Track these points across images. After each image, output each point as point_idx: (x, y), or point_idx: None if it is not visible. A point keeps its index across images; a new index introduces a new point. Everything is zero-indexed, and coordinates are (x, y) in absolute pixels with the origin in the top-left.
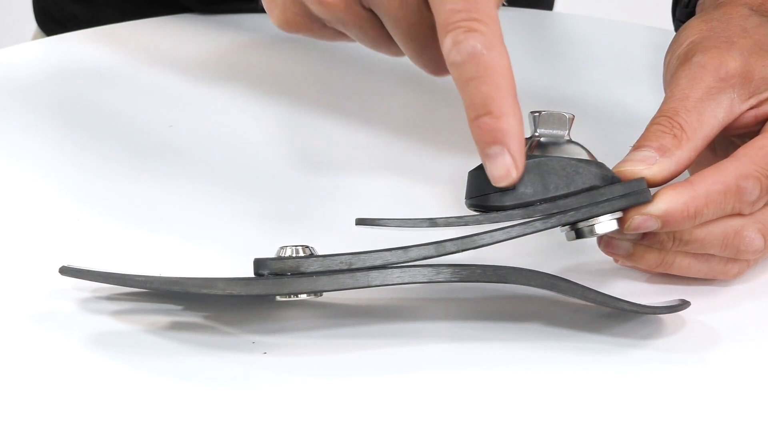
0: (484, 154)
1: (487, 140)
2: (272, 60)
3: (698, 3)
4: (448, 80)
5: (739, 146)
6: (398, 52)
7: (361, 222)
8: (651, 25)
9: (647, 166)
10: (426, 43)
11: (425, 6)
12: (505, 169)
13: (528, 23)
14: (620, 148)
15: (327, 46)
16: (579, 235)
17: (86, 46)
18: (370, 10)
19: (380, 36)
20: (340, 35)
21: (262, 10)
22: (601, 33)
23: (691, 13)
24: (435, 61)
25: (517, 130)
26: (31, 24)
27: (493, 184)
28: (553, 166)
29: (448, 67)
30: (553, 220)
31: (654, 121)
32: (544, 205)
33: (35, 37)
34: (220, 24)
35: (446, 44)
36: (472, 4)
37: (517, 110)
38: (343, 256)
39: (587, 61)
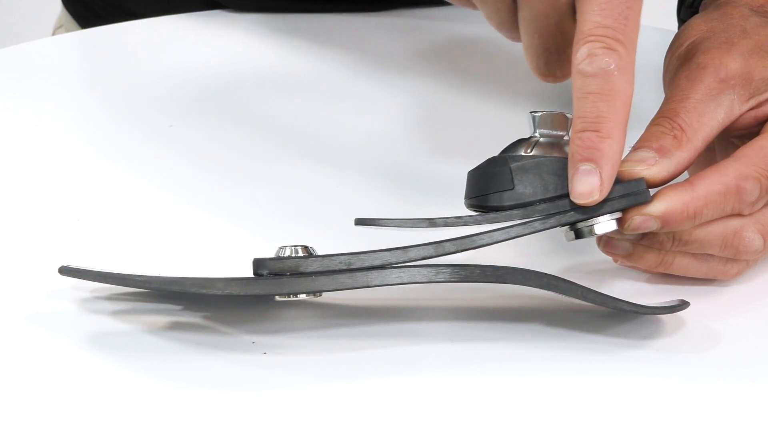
0: (574, 167)
1: (583, 155)
2: (279, 61)
3: (702, 4)
4: (449, 83)
5: (739, 147)
6: (515, 38)
7: (360, 222)
8: (652, 25)
9: (647, 167)
10: (550, 45)
11: (571, 10)
12: (590, 188)
13: None
14: None
15: (336, 47)
16: (578, 235)
17: (107, 43)
18: None
19: (509, 20)
20: (468, 1)
21: (296, 10)
22: None
23: (694, 14)
24: (546, 63)
25: (616, 157)
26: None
27: (573, 200)
28: (552, 166)
29: (573, 73)
30: (553, 221)
31: (654, 122)
32: (544, 206)
33: (60, 18)
34: (250, 22)
35: (581, 52)
36: (622, 24)
37: (623, 140)
38: (343, 256)
39: None
